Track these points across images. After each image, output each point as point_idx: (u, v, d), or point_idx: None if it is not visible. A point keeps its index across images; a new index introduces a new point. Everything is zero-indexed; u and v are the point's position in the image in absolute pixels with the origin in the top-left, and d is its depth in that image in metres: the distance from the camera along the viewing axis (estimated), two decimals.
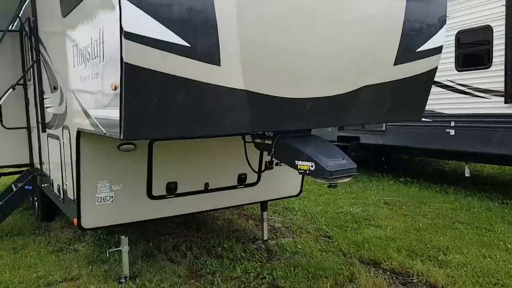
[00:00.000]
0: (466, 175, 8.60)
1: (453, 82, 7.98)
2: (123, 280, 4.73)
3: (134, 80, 2.81)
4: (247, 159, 4.83)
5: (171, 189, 4.83)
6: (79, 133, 4.08)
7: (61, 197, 5.18)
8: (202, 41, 2.90)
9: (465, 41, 7.89)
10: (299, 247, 5.61)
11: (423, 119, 5.65)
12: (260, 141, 4.02)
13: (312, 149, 3.49)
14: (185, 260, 5.29)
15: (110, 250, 4.85)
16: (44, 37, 5.60)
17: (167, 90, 2.91)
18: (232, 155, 5.07)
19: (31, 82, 6.38)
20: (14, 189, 6.67)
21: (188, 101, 3.01)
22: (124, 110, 2.85)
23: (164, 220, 5.93)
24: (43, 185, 6.36)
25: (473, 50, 7.87)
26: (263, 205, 5.76)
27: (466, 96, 7.77)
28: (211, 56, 2.95)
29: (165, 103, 2.94)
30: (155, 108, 2.92)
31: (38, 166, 6.56)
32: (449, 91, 8.02)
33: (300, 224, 6.61)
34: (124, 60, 2.72)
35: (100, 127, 3.41)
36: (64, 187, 4.98)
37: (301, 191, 5.81)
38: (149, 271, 5.00)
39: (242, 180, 5.26)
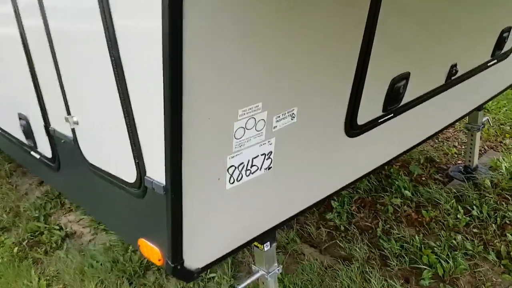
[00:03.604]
0: None
1: None
2: None
3: None
4: None
5: (394, 99, 1.81)
6: None
7: (53, 157, 1.92)
8: None
9: None
10: None
11: None
12: None
13: None
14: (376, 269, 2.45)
15: None
16: None
17: None
18: None
19: None
20: None
21: None
22: None
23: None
24: None
25: None
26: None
27: None
28: None
29: None
30: None
31: None
32: None
33: (491, 131, 3.81)
34: None
35: None
36: (82, 132, 1.64)
37: None
38: None
39: (499, 47, 2.33)
